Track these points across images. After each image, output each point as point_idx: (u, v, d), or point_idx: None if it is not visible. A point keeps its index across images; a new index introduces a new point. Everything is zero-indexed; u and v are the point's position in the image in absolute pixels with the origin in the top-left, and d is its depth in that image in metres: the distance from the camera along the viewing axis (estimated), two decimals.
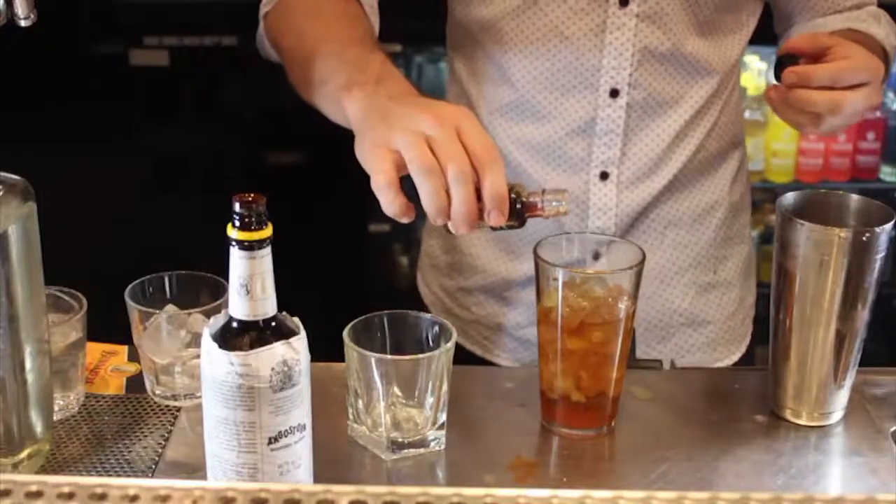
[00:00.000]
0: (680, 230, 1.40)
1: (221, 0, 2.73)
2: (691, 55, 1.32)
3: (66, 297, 1.11)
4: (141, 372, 1.15)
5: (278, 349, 0.89)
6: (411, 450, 1.05)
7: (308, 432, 0.93)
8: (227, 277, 0.89)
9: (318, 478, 0.96)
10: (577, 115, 1.32)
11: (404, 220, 1.00)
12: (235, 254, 0.87)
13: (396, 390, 1.04)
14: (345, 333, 1.04)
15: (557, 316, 1.05)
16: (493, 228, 1.01)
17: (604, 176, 1.34)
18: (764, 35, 1.40)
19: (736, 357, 1.47)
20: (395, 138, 0.99)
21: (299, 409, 0.91)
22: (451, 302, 1.48)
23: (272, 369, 0.88)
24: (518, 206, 1.01)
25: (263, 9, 1.35)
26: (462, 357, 1.43)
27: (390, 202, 0.98)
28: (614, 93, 1.31)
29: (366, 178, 1.00)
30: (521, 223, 1.02)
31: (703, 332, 1.44)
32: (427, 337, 1.07)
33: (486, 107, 1.37)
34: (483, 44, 1.34)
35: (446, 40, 1.43)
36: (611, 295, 1.06)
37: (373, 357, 1.02)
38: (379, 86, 1.07)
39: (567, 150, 1.34)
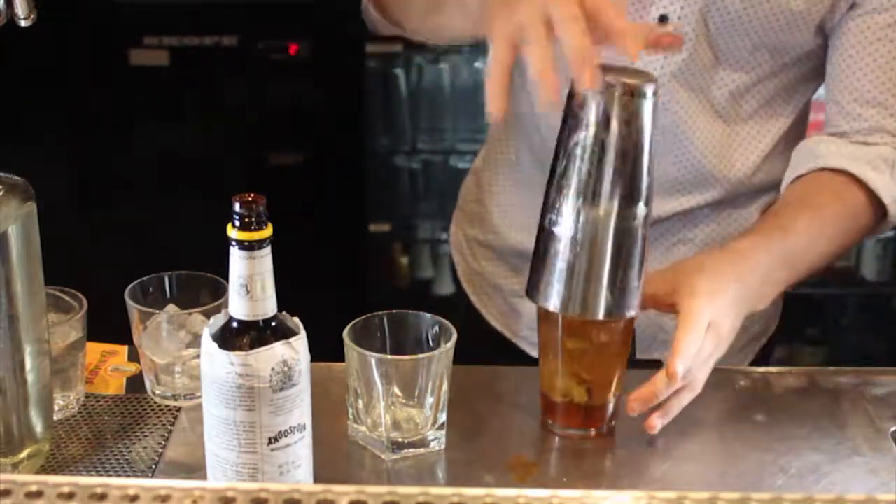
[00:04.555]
0: (691, 249, 1.38)
1: (221, 0, 2.74)
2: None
3: (66, 297, 1.11)
4: (141, 372, 1.15)
5: (278, 349, 0.89)
6: (411, 450, 1.05)
7: (308, 432, 0.93)
8: (227, 277, 0.89)
9: (318, 478, 0.96)
10: None
11: (490, 120, 0.98)
12: (235, 254, 0.87)
13: (396, 390, 1.04)
14: (345, 333, 1.04)
15: (558, 316, 1.05)
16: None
17: None
18: None
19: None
20: (514, 24, 0.96)
21: (299, 409, 0.91)
22: (467, 248, 1.52)
23: (272, 369, 0.88)
24: None
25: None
26: (457, 300, 1.49)
27: (489, 99, 0.96)
28: None
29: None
30: None
31: None
32: (427, 337, 1.07)
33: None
34: None
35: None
36: None
37: (373, 357, 1.02)
38: None
39: None
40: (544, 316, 1.07)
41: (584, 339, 1.06)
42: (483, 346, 1.46)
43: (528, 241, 1.40)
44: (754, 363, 1.47)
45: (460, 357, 1.08)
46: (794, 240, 1.18)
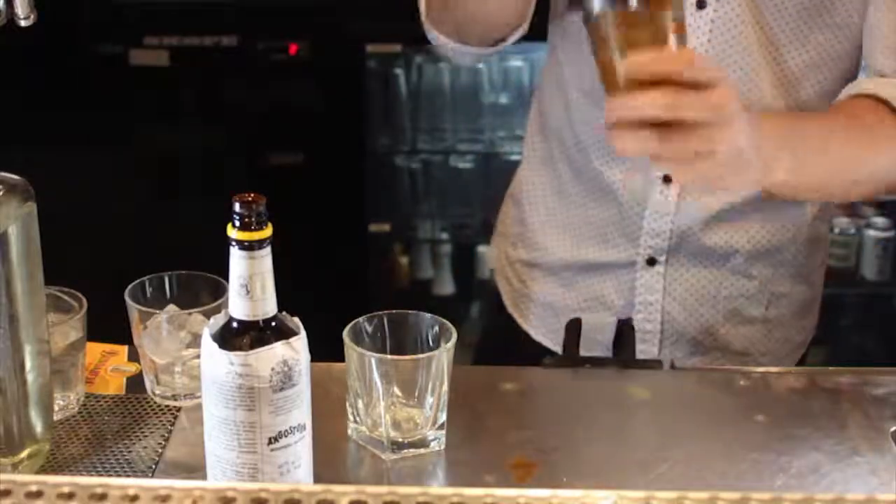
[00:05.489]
0: (738, 259, 1.35)
1: (221, 0, 2.74)
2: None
3: (66, 297, 1.11)
4: (141, 372, 1.15)
5: (278, 349, 0.89)
6: (411, 450, 1.05)
7: (308, 432, 0.93)
8: (227, 277, 0.89)
9: (318, 478, 0.96)
10: None
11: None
12: (235, 254, 0.87)
13: (396, 390, 1.04)
14: (345, 333, 1.04)
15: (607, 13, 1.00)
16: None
17: (667, 179, 1.31)
18: None
19: None
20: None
21: (299, 409, 0.91)
22: (512, 273, 1.50)
23: (272, 369, 0.88)
24: None
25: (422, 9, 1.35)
26: (504, 324, 1.48)
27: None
28: None
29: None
30: None
31: (735, 361, 1.39)
32: (427, 337, 1.07)
33: (574, 88, 1.36)
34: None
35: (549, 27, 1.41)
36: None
37: (373, 357, 1.02)
38: None
39: None
40: (595, 29, 1.01)
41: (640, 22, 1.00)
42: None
43: (577, 253, 1.41)
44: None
45: None
46: (831, 126, 1.16)
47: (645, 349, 1.38)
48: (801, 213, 1.37)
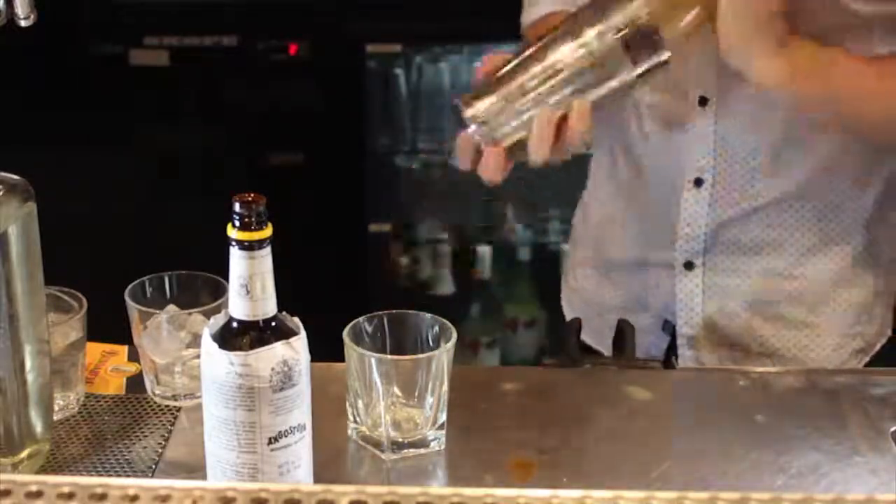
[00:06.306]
0: (777, 260, 1.34)
1: (221, 0, 2.73)
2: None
3: (66, 297, 1.11)
4: (141, 372, 1.15)
5: (278, 349, 0.89)
6: (411, 450, 1.05)
7: (308, 432, 0.93)
8: (227, 277, 0.89)
9: (318, 478, 0.96)
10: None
11: None
12: (235, 254, 0.87)
13: (396, 390, 1.04)
14: (345, 333, 1.04)
15: None
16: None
17: (698, 182, 1.30)
18: None
19: None
20: None
21: (299, 409, 0.91)
22: (570, 272, 1.52)
23: (272, 369, 0.88)
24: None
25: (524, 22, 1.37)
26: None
27: None
28: (703, 101, 1.27)
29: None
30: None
31: (780, 365, 1.36)
32: (427, 337, 1.07)
33: None
34: None
35: None
36: None
37: (373, 357, 1.02)
38: None
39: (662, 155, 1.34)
40: None
41: None
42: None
43: (625, 251, 1.41)
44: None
45: None
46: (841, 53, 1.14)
47: (689, 354, 1.38)
48: (857, 205, 1.32)
